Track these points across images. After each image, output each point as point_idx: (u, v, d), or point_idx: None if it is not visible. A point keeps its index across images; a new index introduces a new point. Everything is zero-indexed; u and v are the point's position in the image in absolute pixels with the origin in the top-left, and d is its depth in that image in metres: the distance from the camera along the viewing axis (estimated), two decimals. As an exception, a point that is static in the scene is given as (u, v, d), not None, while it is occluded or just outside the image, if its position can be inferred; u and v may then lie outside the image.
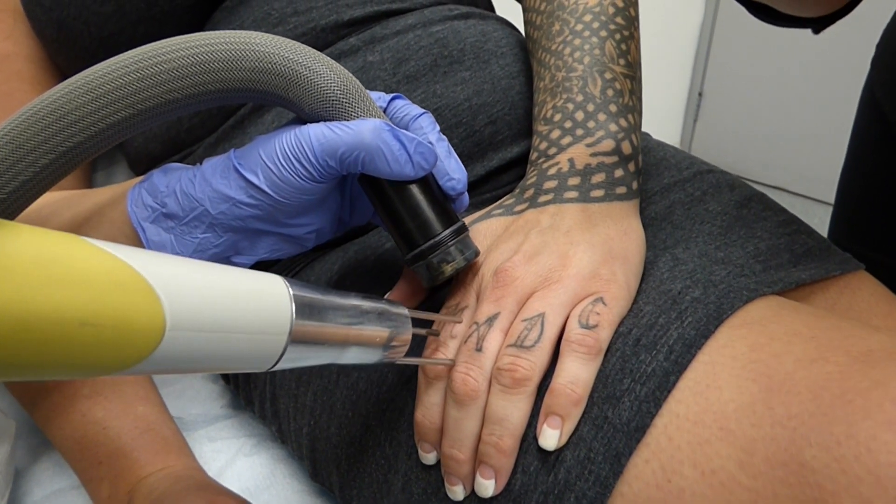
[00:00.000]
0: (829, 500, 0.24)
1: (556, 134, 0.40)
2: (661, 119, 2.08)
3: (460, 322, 0.34)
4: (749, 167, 2.01)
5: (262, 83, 0.29)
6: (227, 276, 0.23)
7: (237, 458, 0.48)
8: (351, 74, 0.31)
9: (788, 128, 1.90)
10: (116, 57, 0.27)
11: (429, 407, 0.33)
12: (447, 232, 0.32)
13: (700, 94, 2.06)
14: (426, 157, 0.31)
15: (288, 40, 0.30)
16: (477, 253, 0.34)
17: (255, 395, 0.47)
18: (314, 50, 0.30)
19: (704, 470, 0.28)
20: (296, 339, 0.25)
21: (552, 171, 0.38)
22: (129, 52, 0.28)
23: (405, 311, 0.30)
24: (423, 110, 0.34)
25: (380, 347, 0.29)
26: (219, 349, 0.22)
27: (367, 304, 0.29)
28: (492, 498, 0.31)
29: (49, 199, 0.40)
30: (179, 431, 0.45)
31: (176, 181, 0.31)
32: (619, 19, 0.43)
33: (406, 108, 0.34)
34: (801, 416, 0.26)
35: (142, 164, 0.53)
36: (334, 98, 0.30)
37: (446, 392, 0.33)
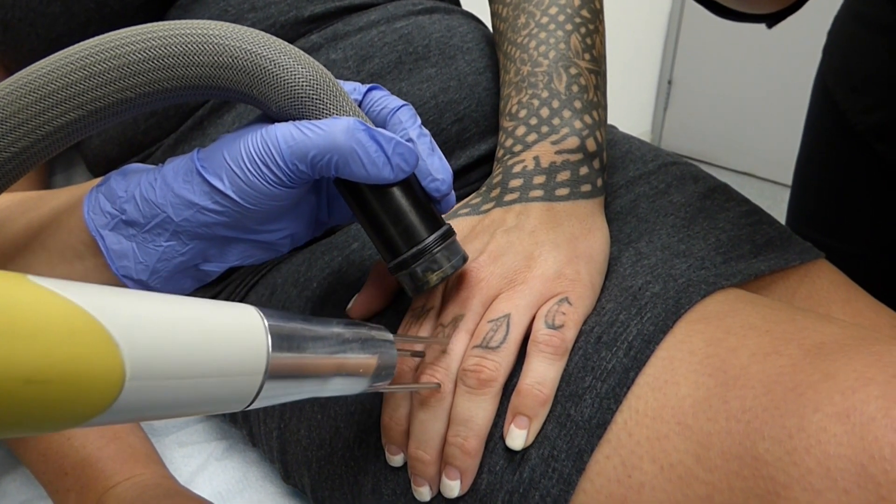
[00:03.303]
0: (781, 492, 0.25)
1: (521, 131, 0.40)
2: (632, 108, 2.10)
3: (447, 344, 0.32)
4: (719, 154, 2.04)
5: (223, 79, 0.27)
6: (193, 311, 0.21)
7: (209, 462, 0.48)
8: (322, 67, 0.29)
9: (758, 114, 1.93)
10: (61, 52, 0.25)
11: (395, 409, 0.33)
12: (432, 238, 0.30)
13: (670, 82, 2.08)
14: (406, 158, 0.28)
15: (251, 30, 0.28)
16: (465, 258, 0.32)
17: (224, 398, 0.47)
18: (280, 40, 0.28)
19: (663, 464, 0.28)
20: (273, 374, 0.22)
21: (517, 168, 0.39)
22: (76, 46, 0.25)
23: (390, 336, 0.29)
24: (403, 102, 0.31)
25: (365, 377, 0.27)
26: (186, 396, 0.20)
27: (349, 331, 0.26)
28: (458, 498, 0.32)
29: (2, 202, 0.38)
30: (147, 438, 0.44)
31: (135, 185, 0.29)
32: (584, 12, 0.43)
33: (384, 99, 0.31)
34: (754, 410, 0.27)
35: (100, 167, 0.52)
36: (303, 94, 0.28)
37: (412, 394, 0.33)
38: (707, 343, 0.31)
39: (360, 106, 0.32)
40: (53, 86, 0.24)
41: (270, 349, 0.22)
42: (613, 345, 0.32)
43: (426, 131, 0.32)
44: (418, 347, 0.33)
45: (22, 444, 0.42)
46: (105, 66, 0.25)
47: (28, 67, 0.25)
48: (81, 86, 0.25)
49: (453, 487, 0.31)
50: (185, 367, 0.20)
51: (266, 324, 0.22)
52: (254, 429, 0.44)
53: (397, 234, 0.30)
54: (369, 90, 0.32)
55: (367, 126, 0.28)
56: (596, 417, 0.30)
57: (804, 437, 0.25)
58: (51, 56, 0.25)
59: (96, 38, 0.26)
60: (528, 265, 0.34)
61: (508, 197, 0.37)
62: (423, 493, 0.32)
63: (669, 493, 0.28)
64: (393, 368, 0.28)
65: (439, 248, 0.30)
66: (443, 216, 0.39)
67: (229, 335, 0.21)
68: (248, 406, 0.23)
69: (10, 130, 0.24)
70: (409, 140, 0.30)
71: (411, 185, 0.30)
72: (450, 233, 0.31)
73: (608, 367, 0.31)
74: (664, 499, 0.28)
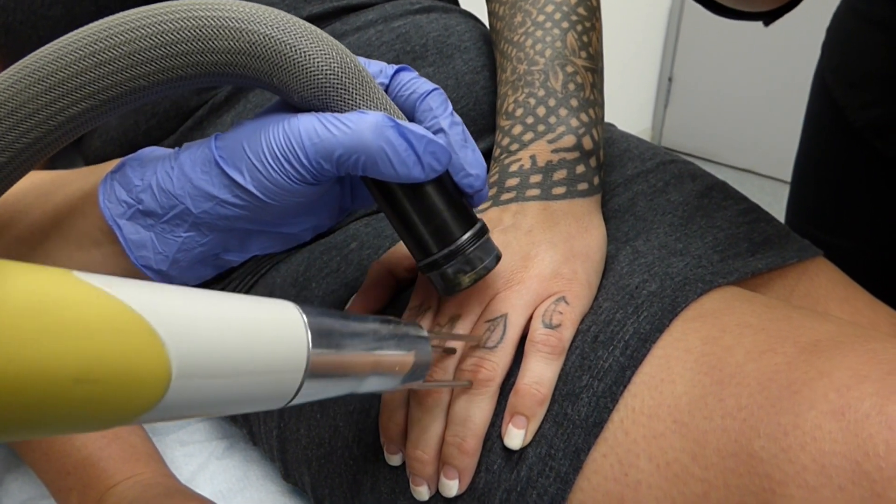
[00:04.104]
0: (776, 489, 0.25)
1: (517, 130, 0.40)
2: (632, 105, 2.09)
3: (479, 340, 0.32)
4: (720, 150, 2.04)
5: (240, 66, 0.25)
6: (235, 308, 0.21)
7: (209, 461, 0.48)
8: (347, 51, 0.27)
9: (758, 111, 1.92)
10: (66, 37, 0.23)
11: (393, 409, 0.33)
12: (465, 238, 0.29)
13: (670, 79, 2.08)
14: (438, 157, 0.27)
15: (271, 10, 0.25)
16: (498, 258, 0.30)
17: (225, 398, 0.47)
18: (303, 22, 0.26)
19: (659, 462, 0.28)
20: (313, 372, 0.22)
21: (514, 167, 0.39)
22: (81, 30, 0.24)
23: (425, 332, 0.28)
24: (433, 86, 0.30)
25: (400, 375, 0.26)
26: (229, 394, 0.20)
27: (385, 328, 0.26)
28: (456, 497, 0.32)
29: (17, 190, 0.38)
30: (149, 438, 0.45)
31: (151, 174, 0.27)
32: (580, 10, 0.43)
33: (413, 83, 0.29)
34: (750, 408, 0.27)
35: None
36: (327, 84, 0.26)
37: (410, 394, 0.33)
38: (703, 341, 0.31)
39: (386, 90, 0.30)
40: (62, 74, 0.23)
41: (310, 346, 0.22)
42: (610, 344, 0.32)
43: (458, 119, 0.30)
44: (450, 344, 0.33)
45: (24, 443, 0.42)
46: (115, 52, 0.23)
47: (34, 54, 0.23)
48: (91, 74, 0.23)
49: (452, 487, 0.31)
50: (228, 365, 0.20)
51: (305, 320, 0.22)
52: (254, 428, 0.44)
53: (428, 234, 0.29)
54: (397, 72, 0.30)
55: (396, 122, 0.26)
56: (593, 416, 0.30)
57: (799, 434, 0.25)
58: (58, 41, 0.24)
59: (102, 21, 0.24)
60: (525, 265, 0.34)
61: (505, 196, 0.38)
62: (422, 492, 0.33)
63: (666, 491, 0.28)
64: (428, 366, 0.28)
65: (472, 248, 0.29)
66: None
67: (270, 333, 0.21)
68: (288, 403, 0.22)
69: (21, 121, 0.23)
70: (440, 130, 0.29)
71: (443, 181, 0.29)
72: (483, 230, 0.30)
73: (605, 365, 0.31)
74: (661, 496, 0.28)
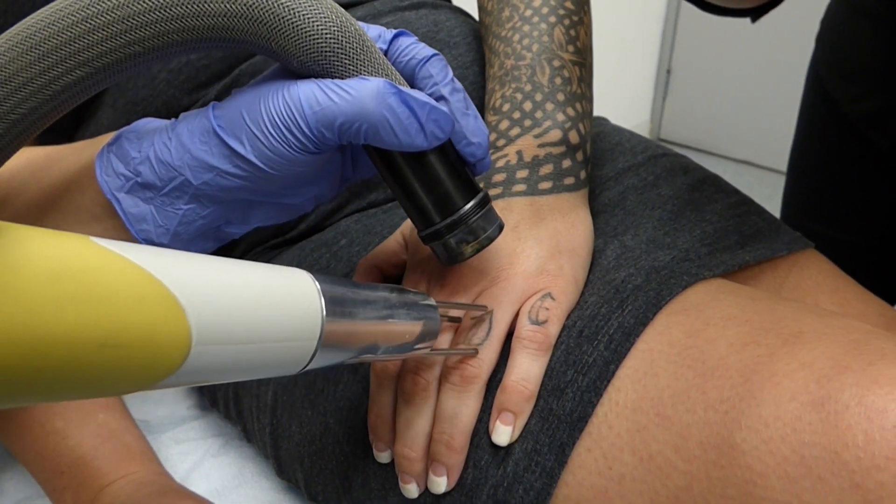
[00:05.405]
0: (757, 480, 0.25)
1: (504, 125, 0.40)
2: (631, 97, 2.09)
3: (487, 311, 0.32)
4: (718, 142, 2.03)
5: (238, 30, 0.24)
6: (252, 275, 0.21)
7: (205, 459, 0.48)
8: (347, 15, 0.26)
9: (756, 102, 1.92)
10: (57, 3, 0.23)
11: (381, 407, 0.34)
12: (468, 207, 0.28)
13: (668, 71, 2.07)
14: (441, 124, 0.26)
15: None
16: (501, 227, 0.30)
17: (219, 395, 0.48)
18: None
19: (643, 456, 0.28)
20: (327, 340, 0.23)
21: (501, 163, 0.39)
22: None
23: (433, 301, 0.29)
24: (433, 51, 0.29)
25: (410, 342, 0.27)
26: (246, 360, 0.20)
27: (395, 296, 0.26)
28: (444, 494, 0.32)
29: (11, 167, 0.36)
30: (143, 437, 0.45)
31: (149, 146, 0.27)
32: (568, 4, 0.43)
33: (412, 48, 0.29)
34: (732, 400, 0.27)
35: None
36: (327, 49, 0.25)
37: (397, 392, 0.33)
38: (686, 334, 0.31)
39: (385, 55, 0.29)
40: (55, 41, 0.22)
41: (324, 314, 0.22)
42: (594, 338, 0.32)
43: (459, 85, 0.29)
44: (455, 313, 0.33)
45: (19, 443, 0.42)
46: (108, 17, 0.23)
47: (24, 21, 0.23)
48: (85, 40, 0.23)
49: (440, 483, 0.32)
50: (246, 332, 0.20)
51: (319, 288, 0.22)
52: (248, 425, 0.45)
53: (431, 203, 0.28)
54: (395, 37, 0.29)
55: (398, 89, 0.26)
56: (577, 411, 0.30)
57: (780, 425, 0.25)
58: (48, 7, 0.23)
59: None
60: (511, 262, 0.34)
61: (492, 192, 0.38)
62: (411, 489, 0.33)
63: (649, 484, 0.28)
64: (436, 335, 0.28)
65: (475, 217, 0.29)
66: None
67: (286, 300, 0.21)
68: (303, 369, 0.23)
69: (15, 91, 0.22)
70: (441, 97, 0.28)
71: (445, 150, 0.28)
72: (486, 199, 0.29)
73: (589, 360, 0.31)
74: (644, 489, 0.28)
